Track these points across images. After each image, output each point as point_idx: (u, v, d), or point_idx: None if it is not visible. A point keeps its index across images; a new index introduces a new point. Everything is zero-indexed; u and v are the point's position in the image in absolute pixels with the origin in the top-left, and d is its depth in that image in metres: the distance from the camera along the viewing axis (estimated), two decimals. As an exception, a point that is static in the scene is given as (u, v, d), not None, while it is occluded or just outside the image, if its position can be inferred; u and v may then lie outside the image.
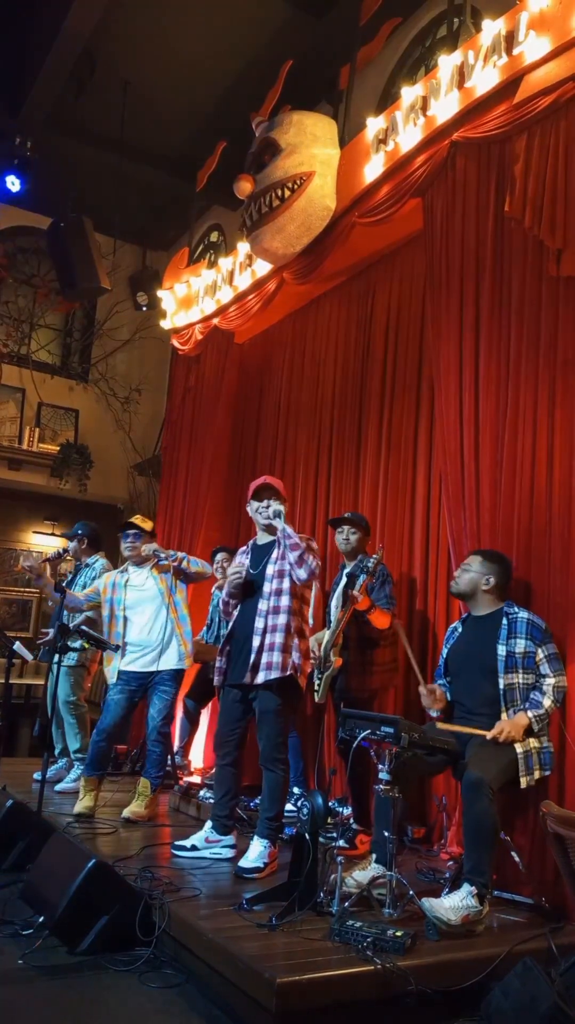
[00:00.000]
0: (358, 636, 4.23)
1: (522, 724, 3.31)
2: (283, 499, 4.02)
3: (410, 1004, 2.59)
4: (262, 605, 3.83)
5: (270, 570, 3.87)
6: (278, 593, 3.83)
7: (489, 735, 3.32)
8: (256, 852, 3.65)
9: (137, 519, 4.92)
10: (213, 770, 4.35)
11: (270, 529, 3.97)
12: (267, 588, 3.85)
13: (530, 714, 3.33)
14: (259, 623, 3.80)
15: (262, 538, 4.07)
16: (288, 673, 3.73)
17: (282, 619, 3.79)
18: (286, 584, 3.84)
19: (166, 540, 7.36)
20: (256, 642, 3.78)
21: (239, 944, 2.77)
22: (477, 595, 3.63)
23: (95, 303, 9.48)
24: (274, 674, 3.71)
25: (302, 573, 3.78)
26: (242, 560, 4.06)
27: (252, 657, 3.76)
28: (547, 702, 3.35)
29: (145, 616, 4.72)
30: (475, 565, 3.64)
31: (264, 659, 3.74)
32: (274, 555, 3.91)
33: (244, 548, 4.15)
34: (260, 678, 3.74)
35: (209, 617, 6.08)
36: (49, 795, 4.67)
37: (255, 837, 3.71)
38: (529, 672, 3.42)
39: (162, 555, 4.75)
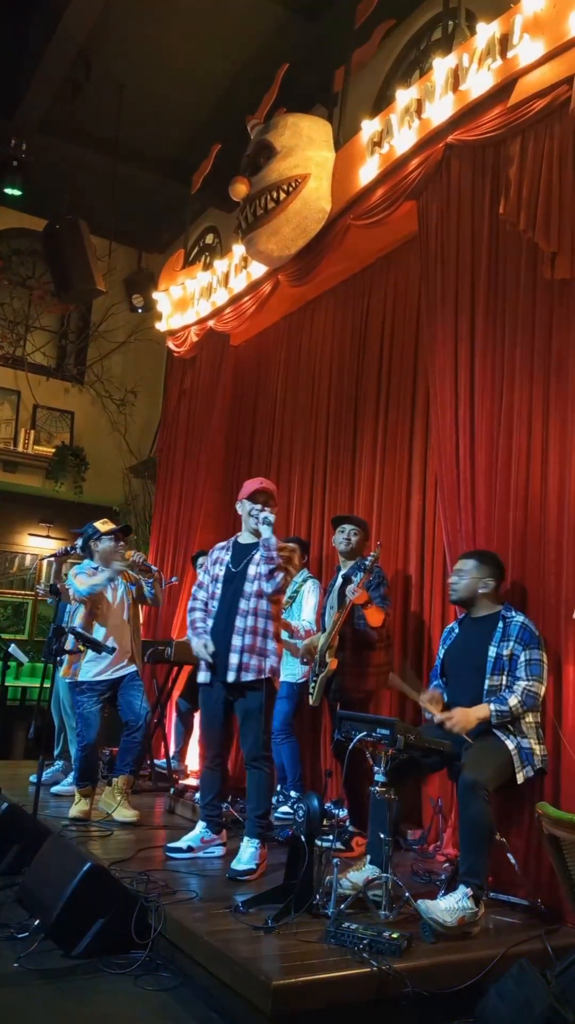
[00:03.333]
0: (353, 638, 4.24)
1: (478, 715, 3.33)
2: (274, 506, 4.07)
3: (406, 1006, 2.59)
4: (243, 605, 3.87)
5: (251, 571, 3.90)
6: (259, 595, 3.88)
7: (437, 717, 3.41)
8: (248, 853, 3.66)
9: (107, 521, 5.04)
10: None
11: (257, 533, 3.98)
12: (248, 588, 3.89)
13: (492, 707, 3.33)
14: (240, 623, 3.85)
15: (245, 537, 4.06)
16: (265, 676, 3.80)
17: (261, 622, 3.86)
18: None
19: (162, 542, 7.36)
20: (238, 642, 3.82)
21: (235, 946, 2.77)
22: (475, 599, 3.63)
23: (90, 305, 9.49)
24: (250, 676, 3.79)
25: (268, 587, 3.86)
26: (220, 556, 4.07)
27: (235, 657, 3.81)
28: (514, 701, 3.33)
29: (114, 621, 4.79)
30: (470, 569, 3.63)
31: (244, 660, 3.80)
32: (256, 557, 3.93)
33: (224, 544, 4.15)
34: (242, 677, 3.80)
35: None
36: (45, 798, 4.67)
37: (245, 838, 3.73)
38: (512, 675, 3.43)
39: (153, 567, 4.97)
